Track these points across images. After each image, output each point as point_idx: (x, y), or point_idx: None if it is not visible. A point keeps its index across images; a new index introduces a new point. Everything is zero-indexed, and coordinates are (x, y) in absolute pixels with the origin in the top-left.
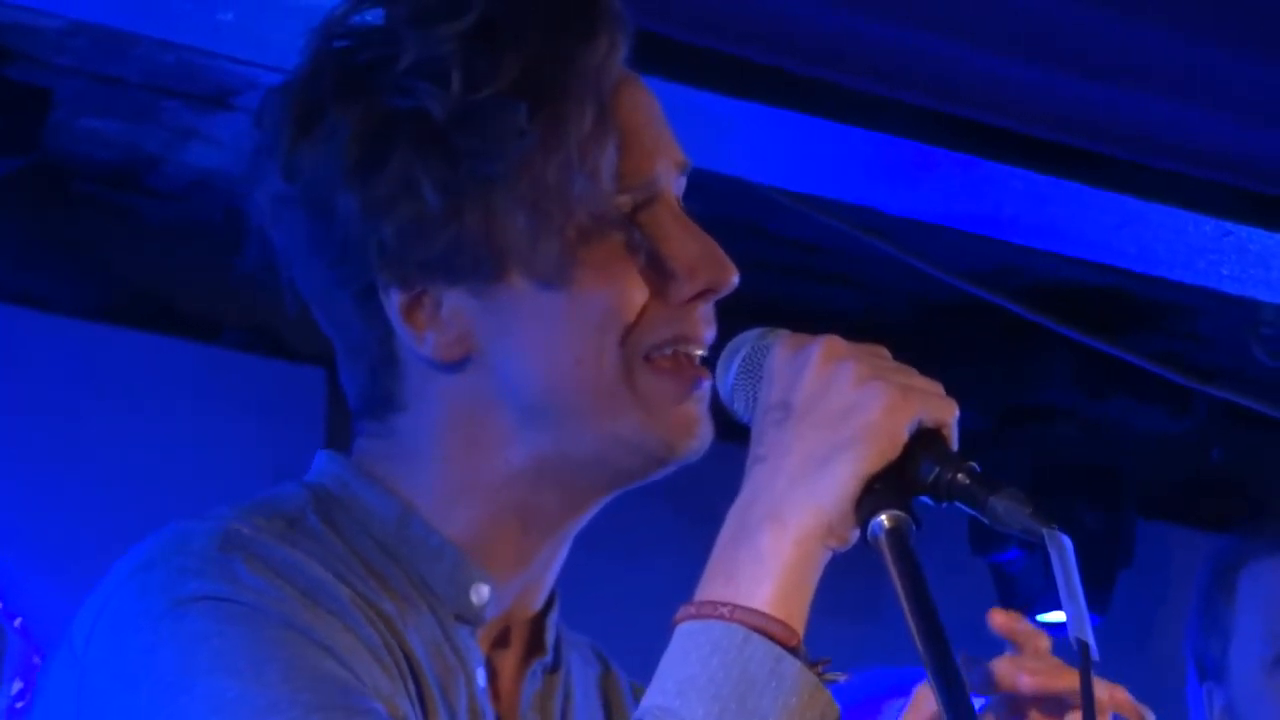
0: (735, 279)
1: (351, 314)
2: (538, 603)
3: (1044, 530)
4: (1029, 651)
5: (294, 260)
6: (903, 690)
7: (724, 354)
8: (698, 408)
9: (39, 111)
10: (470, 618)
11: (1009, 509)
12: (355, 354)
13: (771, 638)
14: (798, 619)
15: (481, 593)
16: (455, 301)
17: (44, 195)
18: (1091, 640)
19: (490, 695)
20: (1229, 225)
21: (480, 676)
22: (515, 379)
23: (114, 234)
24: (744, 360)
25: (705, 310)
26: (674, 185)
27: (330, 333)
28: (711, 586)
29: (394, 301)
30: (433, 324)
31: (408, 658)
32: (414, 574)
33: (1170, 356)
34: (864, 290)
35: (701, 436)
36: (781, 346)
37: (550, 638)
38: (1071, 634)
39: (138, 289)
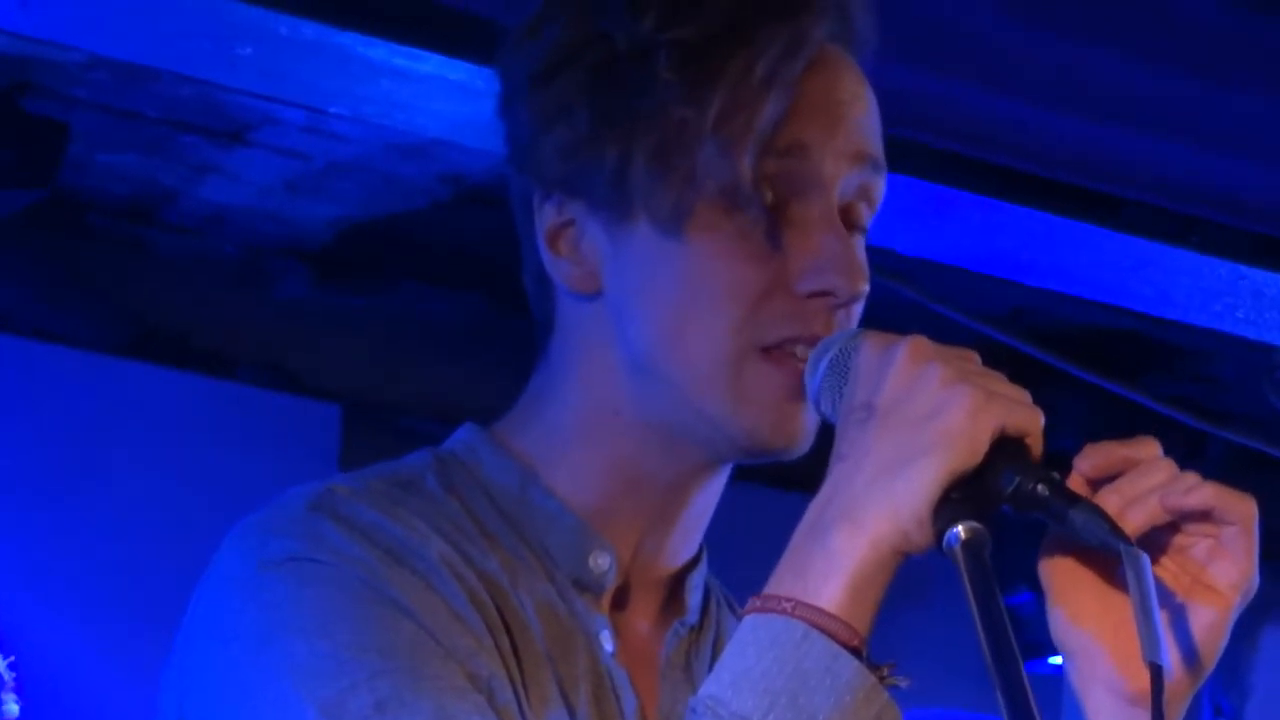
0: (863, 288)
1: (523, 222)
2: (675, 562)
3: (1122, 546)
4: (1150, 469)
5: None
6: None
7: (814, 353)
8: (792, 407)
9: (56, 145)
10: (590, 584)
11: (1088, 522)
12: (527, 264)
13: (832, 636)
14: (862, 620)
15: (600, 561)
16: (593, 236)
17: (61, 228)
18: (1166, 661)
19: (622, 657)
20: (1245, 269)
21: (606, 640)
22: (626, 328)
23: (130, 268)
24: (832, 360)
25: (828, 309)
26: (845, 179)
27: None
28: (781, 581)
29: (544, 219)
30: (572, 253)
31: (505, 617)
32: (532, 539)
33: (1184, 400)
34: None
35: (791, 435)
36: (868, 346)
37: (692, 597)
38: (1145, 656)
39: (153, 323)
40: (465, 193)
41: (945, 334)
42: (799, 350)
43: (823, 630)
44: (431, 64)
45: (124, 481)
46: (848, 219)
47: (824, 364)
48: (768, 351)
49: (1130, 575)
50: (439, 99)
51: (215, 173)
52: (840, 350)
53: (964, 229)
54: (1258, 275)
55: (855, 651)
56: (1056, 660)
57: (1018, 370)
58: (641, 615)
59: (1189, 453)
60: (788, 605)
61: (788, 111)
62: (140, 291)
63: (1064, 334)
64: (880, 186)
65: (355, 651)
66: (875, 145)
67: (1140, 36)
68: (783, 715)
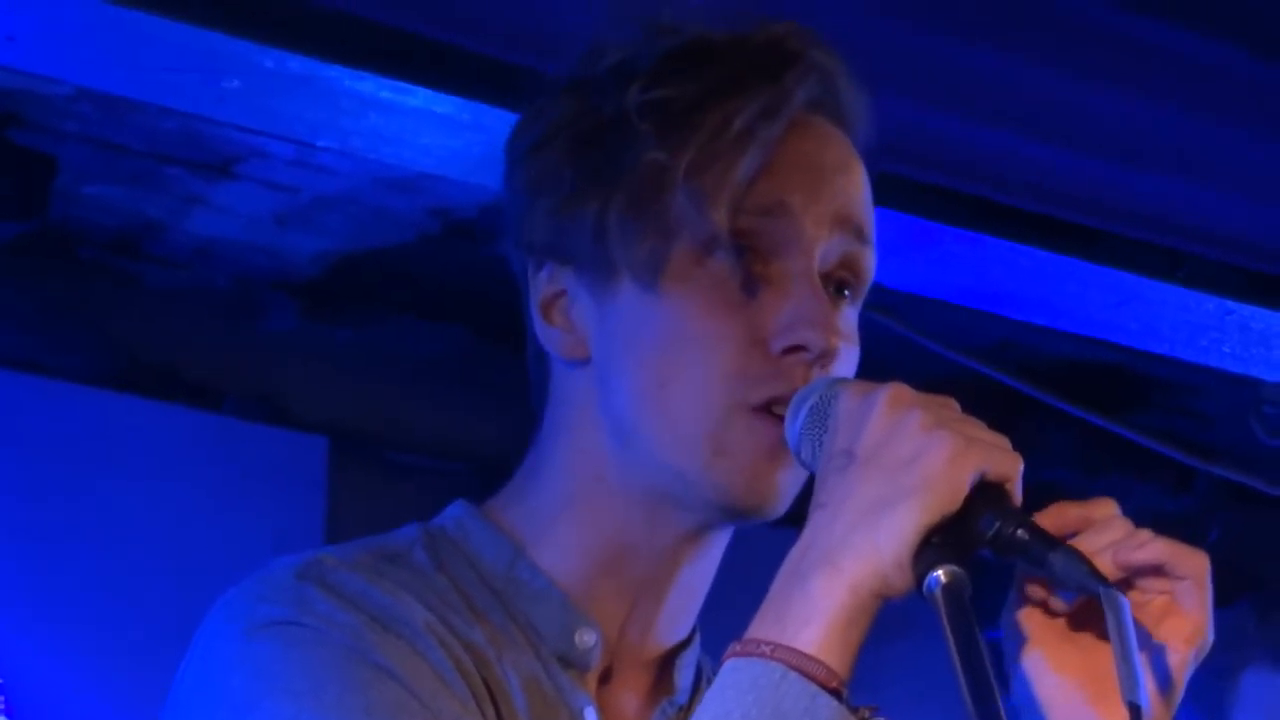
0: (837, 343)
1: (524, 298)
2: (666, 641)
3: (1100, 589)
4: (1105, 527)
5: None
6: None
7: (793, 402)
8: (770, 465)
9: (43, 177)
10: (575, 660)
11: (1067, 566)
12: (529, 341)
13: (810, 677)
14: (842, 663)
15: (586, 638)
16: (582, 303)
17: (47, 261)
18: (1145, 702)
19: None
20: (1231, 304)
21: (590, 716)
22: (610, 391)
23: (117, 300)
24: (812, 408)
25: (804, 365)
26: (827, 244)
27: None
28: (760, 625)
29: (538, 290)
30: (563, 322)
31: (490, 687)
32: (519, 615)
33: (1170, 434)
34: (865, 364)
35: (765, 493)
36: (848, 394)
37: (682, 676)
38: (1124, 696)
39: (140, 356)
40: (453, 226)
41: (930, 367)
42: (777, 409)
43: (801, 672)
44: (419, 98)
45: (111, 513)
46: (830, 285)
47: (804, 412)
48: (753, 410)
49: (1110, 617)
50: (426, 132)
51: (202, 205)
52: (820, 398)
53: (950, 263)
54: (1245, 310)
55: (834, 693)
56: None
57: (1004, 404)
58: (630, 693)
59: (1176, 487)
60: (767, 649)
61: (770, 173)
62: (127, 323)
63: (1050, 368)
64: (867, 260)
65: (340, 712)
66: (860, 215)
67: (1128, 70)
68: None
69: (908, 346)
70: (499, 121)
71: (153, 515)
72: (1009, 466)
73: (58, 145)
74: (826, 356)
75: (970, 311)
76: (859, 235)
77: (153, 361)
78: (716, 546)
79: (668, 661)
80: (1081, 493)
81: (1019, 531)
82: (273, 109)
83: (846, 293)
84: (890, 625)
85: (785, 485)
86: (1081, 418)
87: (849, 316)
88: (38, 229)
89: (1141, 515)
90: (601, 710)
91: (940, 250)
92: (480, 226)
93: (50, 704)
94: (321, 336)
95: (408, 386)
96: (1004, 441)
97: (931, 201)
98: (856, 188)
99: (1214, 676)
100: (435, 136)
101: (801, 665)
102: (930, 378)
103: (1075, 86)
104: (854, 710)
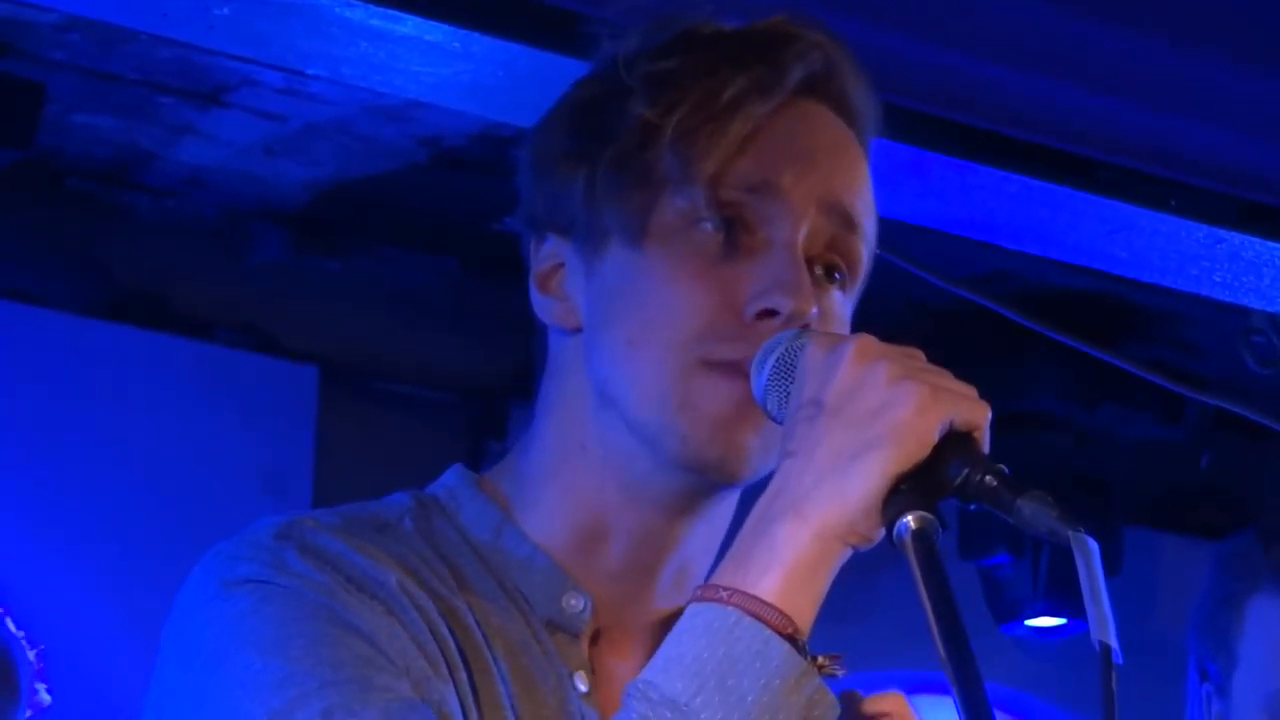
0: (811, 311)
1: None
2: (664, 606)
3: (1069, 532)
4: None
5: None
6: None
7: (759, 354)
8: (736, 421)
9: (33, 107)
10: (565, 625)
11: (1036, 511)
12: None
13: (764, 622)
14: (801, 610)
15: (574, 602)
16: (575, 273)
17: (37, 190)
18: (1115, 644)
19: (598, 698)
20: (1221, 232)
21: (580, 681)
22: (592, 356)
23: (107, 230)
24: (778, 360)
25: (774, 330)
26: (813, 223)
27: None
28: (723, 572)
29: (538, 263)
30: (557, 292)
31: (465, 654)
32: (508, 583)
33: (1161, 364)
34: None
35: (730, 445)
36: (815, 345)
37: None
38: (1095, 637)
39: (130, 285)
40: (442, 155)
41: (921, 296)
42: (745, 368)
43: (756, 617)
44: (409, 25)
45: (101, 443)
46: (818, 264)
47: (770, 363)
48: (719, 366)
49: (1079, 561)
50: (416, 60)
51: (192, 135)
52: (786, 349)
53: (940, 191)
54: (1235, 238)
55: (790, 639)
56: (1033, 622)
57: (995, 334)
58: (625, 657)
59: (1166, 416)
60: (725, 594)
61: (759, 150)
62: (118, 253)
63: (1041, 297)
64: (857, 249)
65: (308, 665)
66: (849, 201)
67: (1117, 0)
68: (710, 697)
69: (900, 276)
70: (488, 50)
71: (145, 444)
72: (977, 415)
73: (47, 74)
74: (796, 322)
75: (960, 240)
76: (846, 222)
77: (142, 291)
78: (711, 517)
79: (667, 624)
80: (1071, 422)
81: (987, 479)
82: (263, 36)
83: (837, 276)
84: (880, 559)
85: (752, 443)
86: (1072, 347)
87: (838, 300)
88: (26, 158)
89: (1133, 445)
90: (594, 674)
91: (930, 179)
92: (469, 156)
93: (51, 620)
94: (311, 266)
95: (396, 316)
96: (971, 391)
97: (922, 130)
98: (848, 172)
99: (1220, 605)
100: (425, 64)
101: (757, 611)
102: (923, 307)
103: (1066, 16)
104: (812, 659)
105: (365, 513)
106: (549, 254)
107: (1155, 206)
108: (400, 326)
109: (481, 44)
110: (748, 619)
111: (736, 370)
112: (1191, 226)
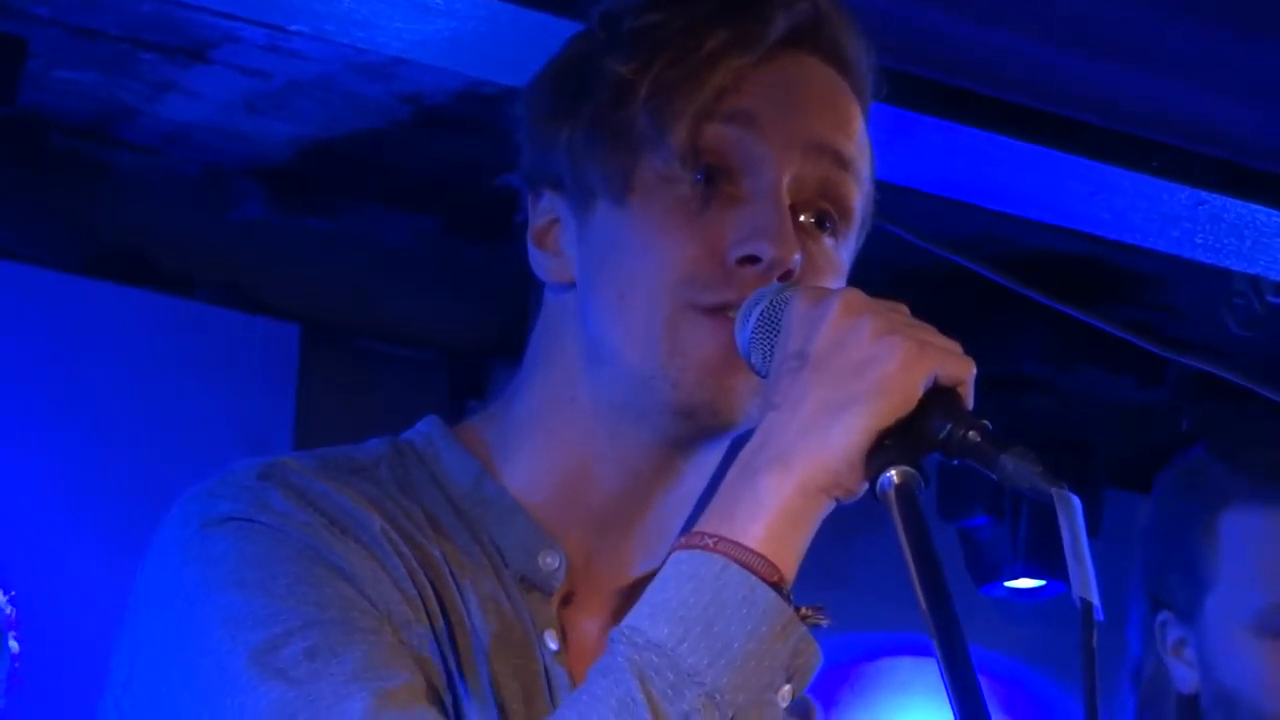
0: (794, 257)
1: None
2: (635, 570)
3: (1052, 489)
4: None
5: None
6: (873, 656)
7: (743, 307)
8: (726, 366)
9: (14, 62)
10: (538, 582)
11: (1019, 467)
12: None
13: (751, 569)
14: (785, 559)
15: (549, 560)
16: (569, 229)
17: (18, 146)
18: (1097, 601)
19: (567, 657)
20: (1203, 194)
21: (550, 639)
22: (585, 310)
23: (88, 186)
24: (763, 313)
25: (757, 276)
26: (801, 166)
27: None
28: (707, 521)
29: (534, 219)
30: (553, 248)
31: (443, 604)
32: (484, 534)
33: (1143, 325)
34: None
35: (720, 390)
36: (800, 299)
37: None
38: (1076, 594)
39: (111, 242)
40: (425, 113)
41: (903, 256)
42: (730, 314)
43: (742, 564)
44: None
45: (81, 399)
46: (807, 211)
47: (754, 316)
48: (704, 311)
49: (1062, 516)
50: (399, 16)
51: (175, 91)
52: (770, 303)
53: (922, 152)
54: (1216, 200)
55: (775, 587)
56: (1012, 584)
57: (977, 295)
58: (594, 618)
59: (1148, 379)
60: (710, 541)
61: (741, 91)
62: (99, 210)
63: (1023, 258)
64: (849, 190)
65: (291, 603)
66: (840, 141)
67: None
68: (697, 644)
69: (882, 236)
70: (471, 6)
71: (126, 401)
72: (961, 370)
73: (29, 29)
74: (778, 268)
75: (942, 201)
76: (837, 159)
77: (124, 247)
78: (692, 474)
79: (637, 589)
80: (1053, 384)
81: (970, 434)
82: None
83: (828, 225)
84: (858, 522)
85: (741, 390)
86: (1054, 308)
87: (829, 248)
88: (8, 114)
89: (1114, 407)
90: (564, 634)
91: (913, 140)
92: (452, 113)
93: (24, 569)
94: (293, 223)
95: (378, 274)
96: (955, 346)
97: (905, 91)
98: (838, 114)
99: (1180, 530)
100: (408, 21)
101: (743, 558)
102: (905, 269)
103: None
104: (796, 608)
105: (341, 455)
106: (545, 209)
107: (1137, 168)
108: (382, 284)
109: (464, 0)
110: (734, 566)
111: (723, 315)
112: (1174, 188)
